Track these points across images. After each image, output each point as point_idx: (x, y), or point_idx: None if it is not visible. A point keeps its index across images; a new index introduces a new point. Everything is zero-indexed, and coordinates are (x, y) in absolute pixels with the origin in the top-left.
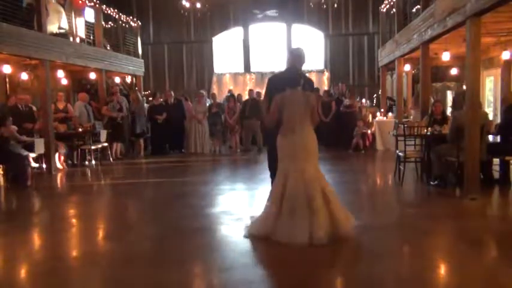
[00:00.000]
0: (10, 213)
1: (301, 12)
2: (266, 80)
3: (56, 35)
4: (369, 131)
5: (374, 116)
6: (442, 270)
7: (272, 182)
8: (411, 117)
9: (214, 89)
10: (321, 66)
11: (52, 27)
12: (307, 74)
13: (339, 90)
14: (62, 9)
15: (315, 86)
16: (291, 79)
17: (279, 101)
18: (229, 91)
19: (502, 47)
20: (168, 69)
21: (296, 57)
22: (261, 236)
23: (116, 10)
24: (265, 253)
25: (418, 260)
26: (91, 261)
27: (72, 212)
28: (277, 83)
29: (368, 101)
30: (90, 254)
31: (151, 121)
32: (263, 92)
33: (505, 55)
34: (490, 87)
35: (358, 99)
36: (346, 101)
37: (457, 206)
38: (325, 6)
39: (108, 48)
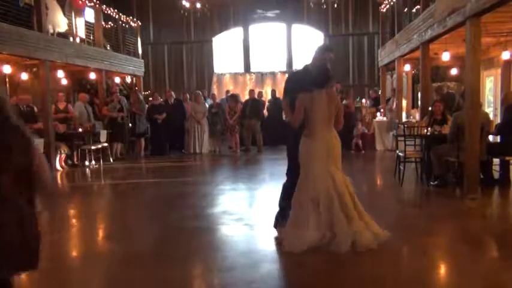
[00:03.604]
0: None
1: (301, 12)
2: (266, 81)
3: (52, 34)
4: (366, 131)
5: (374, 117)
6: (442, 270)
7: (286, 189)
8: (412, 117)
9: (215, 89)
10: None
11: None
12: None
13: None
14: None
15: None
16: (318, 79)
17: (306, 101)
18: (227, 91)
19: (502, 47)
20: (168, 69)
21: (323, 54)
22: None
23: (116, 10)
24: (265, 253)
25: (418, 260)
26: (91, 261)
27: (72, 212)
28: (298, 82)
29: (368, 101)
30: (90, 254)
31: (151, 121)
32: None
33: (505, 55)
34: (490, 87)
35: (358, 99)
36: (344, 102)
37: (457, 206)
38: (325, 6)
39: (108, 48)
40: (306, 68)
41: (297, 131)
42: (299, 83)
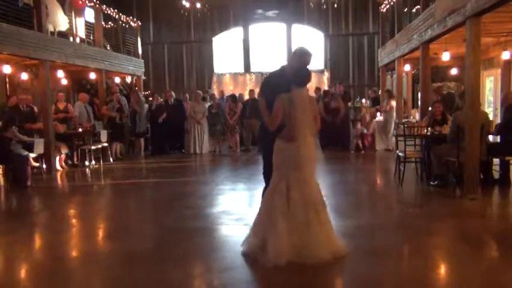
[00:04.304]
0: (10, 213)
1: (301, 12)
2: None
3: (53, 33)
4: (365, 131)
5: (374, 116)
6: (442, 270)
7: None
8: (411, 117)
9: (215, 89)
10: (321, 66)
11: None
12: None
13: (336, 91)
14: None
15: (316, 86)
16: (297, 77)
17: (285, 102)
18: (222, 92)
19: (502, 47)
20: (168, 69)
21: (301, 56)
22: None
23: (116, 10)
24: None
25: (418, 260)
26: (91, 261)
27: (72, 212)
28: (278, 83)
29: (368, 101)
30: (90, 254)
31: (151, 121)
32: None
33: (505, 55)
34: (490, 87)
35: (358, 99)
36: (332, 103)
37: (457, 206)
38: (325, 6)
39: (108, 48)
40: (282, 68)
41: (274, 132)
42: (277, 82)
